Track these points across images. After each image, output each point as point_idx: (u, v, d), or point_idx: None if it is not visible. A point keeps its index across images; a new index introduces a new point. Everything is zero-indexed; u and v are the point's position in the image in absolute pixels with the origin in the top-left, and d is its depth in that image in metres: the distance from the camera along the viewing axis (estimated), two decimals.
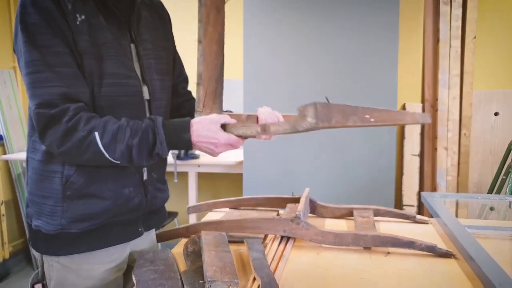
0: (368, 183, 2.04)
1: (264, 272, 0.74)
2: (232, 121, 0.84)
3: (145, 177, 0.90)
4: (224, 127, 0.83)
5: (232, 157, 2.21)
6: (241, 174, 2.09)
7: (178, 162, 2.15)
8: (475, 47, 2.25)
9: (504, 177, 2.05)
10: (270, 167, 2.02)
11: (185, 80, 1.11)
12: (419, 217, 1.17)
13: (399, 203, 2.33)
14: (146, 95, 0.90)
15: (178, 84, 1.08)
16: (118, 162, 0.79)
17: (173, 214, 2.30)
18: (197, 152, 2.33)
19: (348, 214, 1.21)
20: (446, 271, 0.83)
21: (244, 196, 1.29)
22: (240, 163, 2.14)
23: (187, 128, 0.79)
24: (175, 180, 2.10)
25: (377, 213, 1.19)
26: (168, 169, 1.99)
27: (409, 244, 0.91)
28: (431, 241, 0.91)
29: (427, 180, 2.29)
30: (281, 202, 1.24)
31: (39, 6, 0.75)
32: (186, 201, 2.40)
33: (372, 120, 0.73)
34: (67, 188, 0.81)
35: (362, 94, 1.98)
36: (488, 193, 2.16)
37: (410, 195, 2.33)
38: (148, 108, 0.91)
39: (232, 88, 2.57)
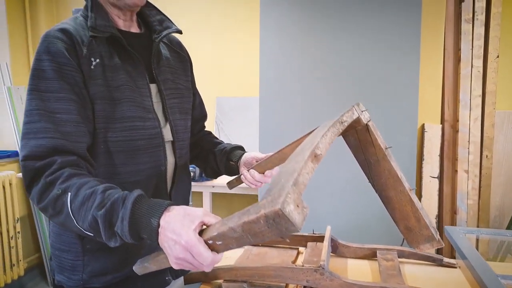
0: None
1: None
2: (213, 221, 0.61)
3: None
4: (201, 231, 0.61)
5: None
6: (256, 195, 2.06)
7: (192, 183, 2.13)
8: (498, 67, 2.18)
9: None
10: None
11: (204, 117, 1.09)
12: (446, 260, 1.12)
13: None
14: (168, 136, 0.87)
15: (196, 122, 1.06)
16: (91, 234, 0.67)
17: None
18: None
19: (371, 254, 1.17)
20: None
21: None
22: None
23: (160, 210, 0.62)
24: (190, 203, 2.07)
25: (401, 254, 1.15)
26: None
27: None
28: None
29: (447, 203, 2.23)
30: (301, 240, 1.20)
31: (52, 53, 0.73)
32: None
33: None
34: (86, 241, 0.79)
35: (381, 113, 1.94)
36: None
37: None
38: (172, 149, 0.88)
39: (249, 105, 2.55)
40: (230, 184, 1.05)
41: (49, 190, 0.68)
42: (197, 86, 1.09)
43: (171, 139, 0.87)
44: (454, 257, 2.16)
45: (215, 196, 2.51)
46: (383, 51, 1.95)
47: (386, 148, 0.74)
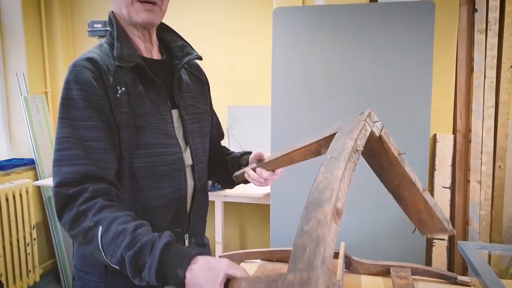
0: (398, 217, 1.99)
1: None
2: (240, 273, 0.62)
3: (186, 243, 0.90)
4: (228, 281, 0.62)
5: (259, 189, 2.20)
6: (268, 205, 2.08)
7: None
8: (511, 77, 2.16)
9: None
10: (298, 202, 2.00)
11: (221, 137, 1.11)
12: (460, 278, 1.13)
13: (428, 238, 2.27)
14: (188, 160, 0.90)
15: (212, 142, 1.08)
16: (117, 268, 0.69)
17: None
18: None
19: (384, 271, 1.18)
20: None
21: (276, 248, 1.27)
22: (267, 195, 2.12)
23: (186, 262, 0.63)
24: None
25: (415, 272, 1.16)
26: None
27: None
28: None
29: (459, 213, 2.22)
30: None
31: (80, 82, 0.76)
32: (212, 229, 2.40)
33: None
34: None
35: (393, 123, 1.94)
36: None
37: None
38: (192, 172, 0.91)
39: (259, 114, 2.57)
40: (237, 178, 1.07)
41: (81, 220, 0.70)
42: None
43: (191, 163, 0.90)
44: (466, 268, 2.15)
45: (226, 205, 2.54)
46: (396, 61, 1.96)
47: (399, 154, 0.73)
